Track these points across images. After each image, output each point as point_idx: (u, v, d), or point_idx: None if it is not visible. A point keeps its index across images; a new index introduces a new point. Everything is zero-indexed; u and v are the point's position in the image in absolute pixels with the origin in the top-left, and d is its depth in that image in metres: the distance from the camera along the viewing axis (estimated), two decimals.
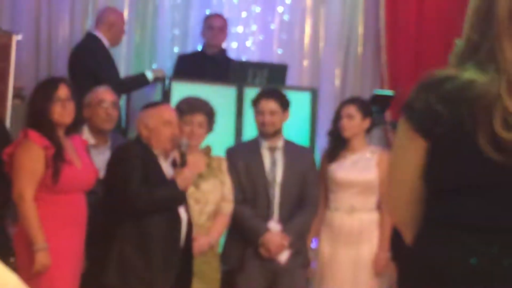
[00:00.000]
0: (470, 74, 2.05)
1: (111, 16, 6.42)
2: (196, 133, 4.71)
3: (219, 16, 6.98)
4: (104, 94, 5.01)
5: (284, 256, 4.89)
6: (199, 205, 4.67)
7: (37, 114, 4.24)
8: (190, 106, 4.75)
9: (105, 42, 6.31)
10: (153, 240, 4.19)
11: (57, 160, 4.15)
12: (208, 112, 4.78)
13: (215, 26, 6.84)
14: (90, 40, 6.33)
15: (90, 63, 6.09)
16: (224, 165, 4.86)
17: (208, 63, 6.68)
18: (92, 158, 4.56)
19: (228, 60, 6.78)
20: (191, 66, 6.64)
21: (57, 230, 4.13)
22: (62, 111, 4.27)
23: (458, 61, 2.11)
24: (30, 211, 4.09)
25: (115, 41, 6.46)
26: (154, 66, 7.07)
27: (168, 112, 4.51)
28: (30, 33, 6.88)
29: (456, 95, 2.03)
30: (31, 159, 4.13)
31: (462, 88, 2.03)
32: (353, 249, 4.97)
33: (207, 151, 4.83)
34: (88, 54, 6.17)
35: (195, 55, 6.95)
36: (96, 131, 4.95)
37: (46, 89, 4.32)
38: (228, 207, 4.79)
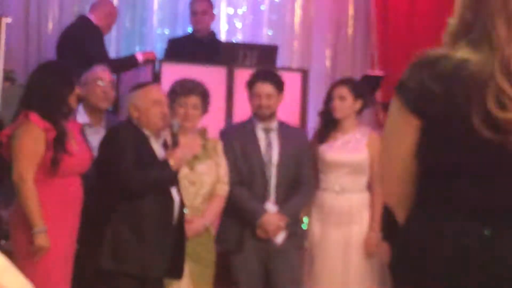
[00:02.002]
0: (463, 53, 2.05)
1: (109, 8, 6.48)
2: (190, 115, 4.68)
3: None
4: (102, 73, 5.01)
5: (280, 237, 4.89)
6: (194, 187, 4.66)
7: (51, 98, 4.20)
8: (184, 88, 4.73)
9: (98, 26, 6.33)
10: (147, 221, 4.20)
11: (58, 145, 4.13)
12: (202, 93, 4.75)
13: (198, 10, 6.79)
14: (83, 21, 6.33)
15: (82, 41, 6.09)
16: (220, 147, 4.84)
17: (198, 46, 6.66)
18: (87, 137, 4.56)
19: (218, 42, 6.77)
20: (182, 49, 6.62)
21: (53, 212, 4.12)
22: (77, 98, 4.32)
23: (452, 40, 2.11)
24: (31, 193, 4.07)
25: (107, 30, 6.50)
26: (144, 48, 7.06)
27: (157, 92, 4.51)
28: (20, 16, 6.86)
29: (450, 74, 2.04)
30: (32, 140, 4.11)
31: (456, 67, 2.03)
32: (344, 229, 4.97)
33: (203, 133, 4.82)
34: (81, 33, 6.19)
35: (185, 38, 6.93)
36: (92, 110, 4.94)
37: (67, 75, 4.31)
38: (223, 189, 4.78)
